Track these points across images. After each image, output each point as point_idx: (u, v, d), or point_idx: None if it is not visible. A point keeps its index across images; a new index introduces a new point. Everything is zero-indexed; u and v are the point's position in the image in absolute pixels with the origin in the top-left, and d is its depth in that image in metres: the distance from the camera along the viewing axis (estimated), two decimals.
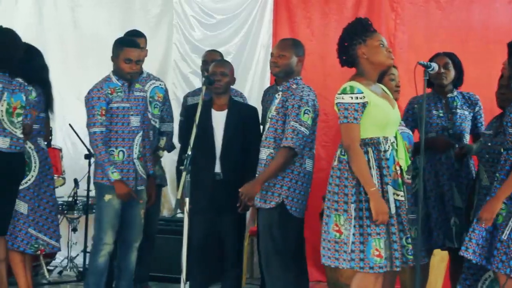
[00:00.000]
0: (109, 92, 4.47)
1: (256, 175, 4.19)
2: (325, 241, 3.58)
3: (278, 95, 4.19)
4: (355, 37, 3.61)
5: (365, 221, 3.46)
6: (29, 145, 4.58)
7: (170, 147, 5.34)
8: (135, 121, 4.54)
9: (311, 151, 4.18)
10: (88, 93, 4.52)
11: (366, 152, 3.52)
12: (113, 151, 4.48)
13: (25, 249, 4.56)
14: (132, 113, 4.53)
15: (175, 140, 5.39)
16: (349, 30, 3.66)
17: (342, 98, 3.53)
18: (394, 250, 3.47)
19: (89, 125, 4.50)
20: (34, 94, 4.58)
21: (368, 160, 3.51)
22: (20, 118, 4.45)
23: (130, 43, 4.59)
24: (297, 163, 4.09)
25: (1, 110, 4.38)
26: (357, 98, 3.50)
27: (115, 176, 4.40)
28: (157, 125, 5.09)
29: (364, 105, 3.50)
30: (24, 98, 4.47)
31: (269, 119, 4.18)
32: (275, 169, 4.04)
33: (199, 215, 4.49)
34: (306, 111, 4.05)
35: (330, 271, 5.26)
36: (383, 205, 3.44)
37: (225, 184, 4.58)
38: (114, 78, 4.53)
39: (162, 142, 5.15)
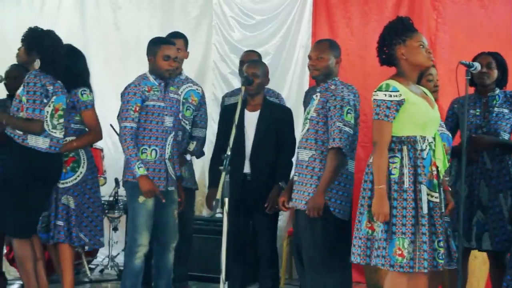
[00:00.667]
0: (146, 89, 4.48)
1: (295, 176, 4.17)
2: (356, 238, 3.56)
3: (316, 96, 4.17)
4: (395, 36, 3.57)
5: (391, 219, 3.44)
6: None
7: (199, 153, 5.31)
8: (168, 121, 4.56)
9: (353, 152, 4.14)
10: (125, 88, 4.55)
11: (401, 150, 3.49)
12: (146, 149, 4.48)
13: (79, 244, 4.63)
14: (166, 113, 4.54)
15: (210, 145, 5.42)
16: (390, 29, 3.62)
17: (377, 95, 3.52)
18: (423, 251, 3.42)
19: (121, 119, 4.52)
20: (91, 95, 4.67)
21: (402, 158, 3.48)
22: (61, 120, 4.52)
23: (167, 41, 4.63)
24: None
25: (47, 112, 4.45)
26: (391, 96, 3.47)
27: (141, 171, 4.36)
28: (187, 127, 5.10)
29: (399, 103, 3.47)
30: (65, 100, 4.55)
31: (308, 121, 4.16)
32: (331, 174, 4.00)
33: (233, 216, 4.49)
34: (348, 111, 4.02)
35: (369, 272, 5.22)
36: (385, 206, 3.41)
37: (255, 184, 4.58)
38: (151, 78, 4.55)
39: (192, 146, 5.13)
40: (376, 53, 3.68)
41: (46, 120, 4.44)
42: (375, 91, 3.54)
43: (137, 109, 4.43)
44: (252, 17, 6.55)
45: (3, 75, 5.15)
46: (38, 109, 4.35)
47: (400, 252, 3.40)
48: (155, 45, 4.55)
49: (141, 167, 4.36)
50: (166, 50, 4.50)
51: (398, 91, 3.48)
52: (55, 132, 4.49)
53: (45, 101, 4.40)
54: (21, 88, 4.46)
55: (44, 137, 4.43)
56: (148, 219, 4.47)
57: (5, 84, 5.26)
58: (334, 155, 3.98)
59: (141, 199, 4.44)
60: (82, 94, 4.64)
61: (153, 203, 4.47)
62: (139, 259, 4.47)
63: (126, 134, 4.43)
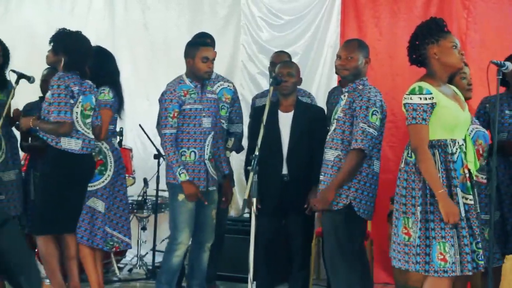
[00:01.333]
0: (182, 94, 4.52)
1: (321, 176, 4.16)
2: (395, 243, 3.53)
3: (344, 96, 4.15)
4: (428, 36, 3.54)
5: (430, 224, 3.40)
6: (104, 145, 4.70)
7: (238, 148, 5.36)
8: (206, 122, 4.59)
9: (379, 152, 4.13)
10: (162, 95, 4.60)
11: (433, 154, 3.45)
12: (185, 151, 4.52)
13: (103, 246, 4.67)
14: (204, 114, 4.57)
15: (245, 141, 5.42)
16: (423, 28, 3.59)
17: (411, 99, 3.47)
18: (465, 254, 3.38)
19: (161, 126, 4.58)
20: (111, 94, 4.70)
21: (435, 163, 3.44)
22: (89, 120, 4.56)
23: (205, 43, 4.69)
24: (365, 164, 4.05)
25: (76, 112, 4.49)
26: (425, 98, 3.44)
27: (182, 177, 4.43)
28: (224, 126, 5.12)
29: (432, 106, 3.44)
30: (93, 100, 4.59)
31: (335, 120, 4.15)
32: (347, 173, 4.00)
33: (266, 216, 4.50)
34: (374, 112, 4.00)
35: (398, 273, 5.18)
36: (453, 206, 3.36)
37: (292, 185, 4.58)
38: (187, 80, 4.58)
39: (230, 142, 5.18)
40: (407, 52, 3.65)
41: (77, 121, 4.48)
42: (408, 94, 3.50)
43: (175, 115, 4.49)
44: (280, 17, 6.54)
45: (34, 77, 5.21)
46: (64, 111, 4.38)
47: (442, 256, 3.37)
48: (193, 47, 4.59)
49: (182, 173, 4.44)
50: (204, 52, 4.54)
51: (431, 93, 3.44)
52: (88, 133, 4.53)
53: (71, 101, 4.44)
54: (49, 92, 4.51)
55: (76, 138, 4.47)
56: (189, 217, 4.51)
57: (40, 86, 5.33)
58: (354, 156, 3.98)
59: (181, 197, 4.48)
60: (100, 93, 4.69)
61: (193, 202, 4.50)
62: (177, 257, 4.52)
63: (166, 141, 4.50)
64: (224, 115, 5.10)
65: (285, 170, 4.62)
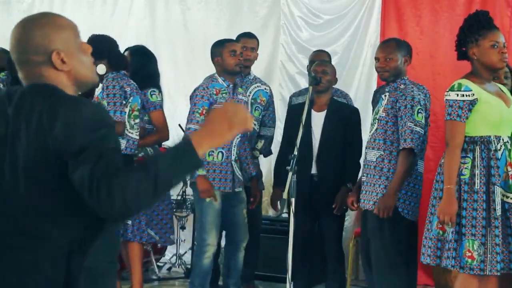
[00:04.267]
0: (214, 92, 4.53)
1: (363, 177, 4.13)
2: (426, 239, 3.50)
3: (385, 95, 4.12)
4: (469, 34, 3.49)
5: (461, 220, 3.36)
6: (149, 149, 4.75)
7: (267, 152, 5.33)
8: None
9: (422, 152, 4.08)
10: (194, 91, 4.62)
11: (473, 151, 3.41)
12: (213, 152, 4.52)
13: (147, 240, 4.70)
14: None
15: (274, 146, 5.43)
16: (467, 25, 3.55)
17: (449, 95, 3.45)
18: (495, 254, 3.32)
19: (187, 121, 4.59)
20: (161, 96, 4.75)
21: (474, 159, 3.40)
22: (137, 120, 4.60)
23: (229, 40, 4.71)
24: None
25: (125, 112, 4.53)
26: (463, 95, 3.40)
27: (199, 171, 4.39)
28: (255, 127, 5.11)
29: (472, 103, 3.39)
30: (140, 101, 4.62)
31: (376, 120, 4.11)
32: (403, 174, 3.96)
33: (298, 216, 4.48)
34: (419, 111, 3.96)
35: (438, 274, 5.12)
36: (452, 206, 3.34)
37: (322, 185, 4.55)
38: (219, 79, 4.60)
39: (260, 144, 5.16)
40: (455, 47, 3.61)
41: (125, 121, 4.53)
42: (447, 91, 3.47)
43: (204, 112, 4.49)
44: (320, 17, 6.51)
45: None
46: (119, 111, 4.42)
47: (470, 254, 3.33)
48: (218, 45, 4.63)
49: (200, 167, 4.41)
50: (230, 47, 4.58)
51: (471, 90, 3.40)
52: (131, 133, 4.56)
53: (124, 102, 4.48)
54: (99, 90, 4.55)
55: (121, 138, 4.51)
56: (216, 218, 4.51)
57: None
58: (406, 156, 3.92)
59: (208, 198, 4.48)
60: (151, 95, 4.72)
61: (220, 203, 4.51)
62: (208, 258, 4.52)
63: None
64: (257, 117, 5.10)
65: (314, 170, 4.60)
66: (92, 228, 1.88)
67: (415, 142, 3.91)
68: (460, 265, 3.36)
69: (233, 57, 4.56)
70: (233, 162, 4.59)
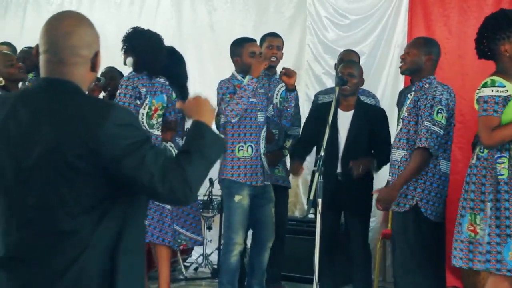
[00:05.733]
0: (236, 85, 4.58)
1: (389, 177, 4.11)
2: (457, 241, 3.45)
3: (410, 95, 4.09)
4: (498, 31, 3.44)
5: (504, 221, 3.29)
6: (169, 144, 4.76)
7: None
8: (260, 116, 4.63)
9: (446, 152, 4.03)
10: (218, 85, 4.65)
11: (508, 150, 3.36)
12: (242, 146, 4.55)
13: (173, 244, 4.73)
14: (258, 108, 4.62)
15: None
16: (492, 22, 3.49)
17: (482, 92, 3.40)
18: None
19: (219, 104, 4.61)
20: (174, 95, 4.76)
21: (510, 158, 3.35)
22: (160, 119, 4.62)
23: (248, 39, 4.72)
24: (431, 165, 3.97)
25: (142, 114, 4.55)
26: (497, 91, 3.35)
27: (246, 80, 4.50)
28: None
29: (506, 99, 3.35)
30: (165, 98, 4.64)
31: (401, 120, 4.09)
32: (411, 172, 3.93)
33: (325, 216, 4.46)
34: (439, 110, 3.90)
35: (467, 276, 5.07)
36: None
37: (347, 184, 4.53)
38: (239, 76, 4.62)
39: (288, 143, 5.18)
40: (475, 45, 3.56)
41: (142, 121, 4.53)
42: (480, 88, 3.42)
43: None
44: (346, 17, 6.49)
45: (103, 78, 5.32)
46: None
47: None
48: (238, 45, 4.65)
49: None
50: (250, 47, 4.59)
51: (505, 86, 3.36)
52: (153, 131, 4.59)
53: (137, 102, 4.50)
54: (118, 90, 4.59)
55: None
56: (244, 217, 4.53)
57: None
58: (418, 155, 3.89)
59: (237, 198, 4.50)
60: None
61: (248, 202, 4.53)
62: (235, 256, 4.54)
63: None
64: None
65: (340, 169, 4.58)
66: (121, 223, 1.91)
67: (431, 141, 3.86)
68: (507, 268, 3.28)
69: (252, 57, 4.56)
70: (262, 156, 4.62)
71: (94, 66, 1.99)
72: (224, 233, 4.66)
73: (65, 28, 1.95)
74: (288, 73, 4.75)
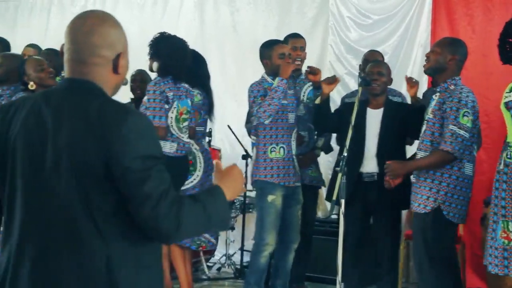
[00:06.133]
0: (266, 87, 4.59)
1: (413, 179, 4.09)
2: (492, 248, 3.41)
3: (436, 96, 4.05)
4: None
5: None
6: (194, 147, 4.78)
7: (328, 149, 5.35)
8: (291, 117, 4.64)
9: (471, 155, 3.98)
10: (250, 86, 4.67)
11: None
12: (275, 147, 4.57)
13: (191, 245, 4.74)
14: (289, 109, 4.63)
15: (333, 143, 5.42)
16: None
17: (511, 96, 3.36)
18: None
19: (251, 106, 4.66)
20: (199, 97, 4.77)
21: None
22: (186, 123, 4.63)
23: (277, 41, 4.73)
24: (455, 167, 3.92)
25: (171, 117, 4.55)
26: None
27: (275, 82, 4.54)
28: (313, 126, 5.12)
29: None
30: (189, 103, 4.66)
31: (425, 122, 4.05)
32: (426, 166, 3.93)
33: (351, 217, 4.45)
34: (465, 114, 3.86)
35: (492, 278, 5.01)
36: None
37: (379, 183, 4.50)
38: (269, 79, 4.63)
39: (320, 142, 5.19)
40: (498, 50, 3.52)
41: (172, 125, 4.55)
42: (508, 92, 3.38)
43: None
44: (369, 17, 6.46)
45: (128, 79, 5.36)
46: (158, 116, 4.45)
47: None
48: (267, 47, 4.65)
49: None
50: (279, 49, 4.60)
51: None
52: (182, 136, 4.59)
53: (166, 107, 4.51)
54: (146, 96, 4.61)
55: (171, 142, 4.54)
56: (276, 218, 4.55)
57: (131, 86, 5.48)
58: (439, 156, 3.86)
59: (270, 198, 4.52)
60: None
61: (281, 203, 4.54)
62: (264, 257, 4.56)
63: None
64: None
65: (372, 168, 4.55)
66: (136, 235, 1.85)
67: (455, 145, 3.82)
68: None
69: (282, 59, 4.57)
70: (294, 157, 4.63)
71: (116, 67, 1.95)
72: (256, 233, 4.66)
73: (86, 27, 1.92)
74: (313, 71, 4.76)
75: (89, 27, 1.92)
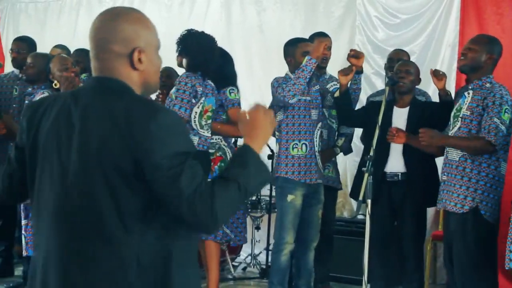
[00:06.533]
0: None
1: (444, 176, 4.06)
2: None
3: (468, 93, 4.01)
4: None
5: None
6: (223, 142, 4.80)
7: (347, 149, 5.31)
8: (314, 114, 4.63)
9: (506, 154, 3.95)
10: (273, 79, 4.67)
11: None
12: (297, 144, 4.56)
13: (221, 238, 4.74)
14: (312, 106, 4.62)
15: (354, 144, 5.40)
16: None
17: None
18: None
19: (279, 91, 4.62)
20: (239, 94, 4.78)
21: None
22: (209, 121, 4.65)
23: (302, 39, 4.72)
24: (492, 166, 3.90)
25: (195, 112, 4.57)
26: None
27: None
28: (334, 126, 5.10)
29: None
30: (214, 101, 4.68)
31: (459, 119, 4.01)
32: (463, 147, 3.90)
33: (376, 217, 4.43)
34: (506, 110, 3.86)
35: None
36: None
37: (406, 183, 4.47)
38: (292, 76, 4.62)
39: (340, 141, 5.16)
40: None
41: (195, 120, 4.57)
42: None
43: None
44: (396, 16, 6.42)
45: None
46: (184, 108, 4.47)
47: None
48: (292, 45, 4.65)
49: None
50: (303, 47, 4.60)
51: None
52: (203, 132, 4.61)
53: (193, 101, 4.53)
54: (174, 88, 4.63)
55: (193, 135, 4.57)
56: (295, 217, 4.55)
57: None
58: (482, 143, 3.82)
59: (290, 197, 4.51)
60: (230, 93, 4.78)
61: (301, 202, 4.53)
62: (285, 256, 4.56)
63: None
64: (334, 115, 5.07)
65: (399, 168, 4.52)
66: (170, 235, 1.85)
67: (497, 139, 3.80)
68: None
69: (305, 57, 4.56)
70: (316, 153, 4.62)
71: (132, 63, 1.92)
72: (276, 232, 4.67)
73: (98, 23, 1.93)
74: (356, 55, 4.72)
75: (100, 23, 1.93)
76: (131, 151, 1.79)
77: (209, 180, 1.85)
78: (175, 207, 1.79)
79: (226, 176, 1.85)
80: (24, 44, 5.73)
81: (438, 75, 4.61)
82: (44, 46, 6.17)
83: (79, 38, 7.33)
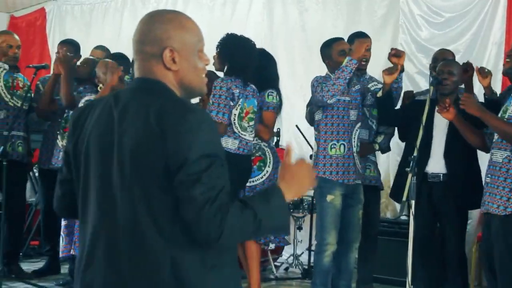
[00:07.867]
0: None
1: (487, 178, 3.99)
2: None
3: None
4: None
5: None
6: (263, 143, 4.80)
7: (386, 148, 5.25)
8: (353, 114, 4.60)
9: None
10: (313, 78, 4.65)
11: None
12: (335, 144, 4.53)
13: (263, 239, 4.74)
14: (351, 106, 4.59)
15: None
16: None
17: None
18: None
19: (317, 90, 4.61)
20: (278, 98, 4.79)
21: None
22: (251, 123, 4.64)
23: (335, 39, 4.70)
24: None
25: (234, 114, 4.57)
26: None
27: None
28: (373, 126, 5.06)
29: None
30: (256, 103, 4.68)
31: (505, 120, 3.95)
32: (499, 128, 3.87)
33: (417, 218, 4.37)
34: None
35: None
36: None
37: (448, 184, 4.41)
38: (332, 76, 4.60)
39: (379, 138, 5.10)
40: None
41: (234, 123, 4.56)
42: None
43: None
44: (441, 15, 6.34)
45: None
46: (222, 112, 4.47)
47: None
48: (326, 47, 4.66)
49: None
50: (338, 46, 4.58)
51: None
52: (244, 135, 4.60)
53: (231, 104, 4.54)
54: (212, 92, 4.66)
55: (233, 138, 4.57)
56: (336, 217, 4.52)
57: None
58: None
59: (329, 198, 4.49)
60: (268, 96, 4.78)
61: (340, 202, 4.51)
62: (327, 257, 4.53)
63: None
64: (375, 115, 5.03)
65: (440, 169, 4.46)
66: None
67: None
68: None
69: (343, 56, 4.53)
70: (355, 154, 4.59)
71: (165, 61, 1.91)
72: (317, 233, 4.65)
73: (137, 26, 1.96)
74: (398, 54, 4.68)
75: (138, 26, 1.97)
76: (163, 152, 1.79)
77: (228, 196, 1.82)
78: (183, 212, 1.78)
79: (247, 202, 1.83)
80: (70, 47, 5.84)
81: (483, 73, 4.54)
82: (89, 48, 6.26)
83: (123, 40, 7.43)
